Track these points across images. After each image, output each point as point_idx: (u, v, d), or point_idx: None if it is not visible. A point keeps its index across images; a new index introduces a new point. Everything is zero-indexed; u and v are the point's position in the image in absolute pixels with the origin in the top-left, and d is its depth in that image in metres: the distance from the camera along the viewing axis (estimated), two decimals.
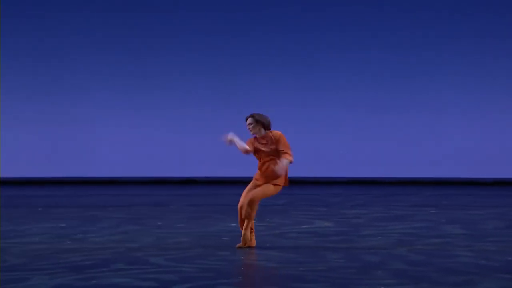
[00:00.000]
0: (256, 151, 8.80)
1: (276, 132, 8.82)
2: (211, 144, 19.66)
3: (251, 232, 8.88)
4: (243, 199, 8.79)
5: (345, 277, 7.35)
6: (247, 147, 8.77)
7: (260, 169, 8.85)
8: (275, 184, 8.83)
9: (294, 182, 19.64)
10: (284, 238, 9.96)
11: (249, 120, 8.81)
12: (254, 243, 8.92)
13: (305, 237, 10.00)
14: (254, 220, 9.00)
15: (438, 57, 19.75)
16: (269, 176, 8.77)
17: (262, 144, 8.77)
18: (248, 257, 8.45)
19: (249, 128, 8.81)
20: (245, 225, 8.89)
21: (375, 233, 10.42)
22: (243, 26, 20.02)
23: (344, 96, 19.93)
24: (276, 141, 8.72)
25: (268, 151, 8.74)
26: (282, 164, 8.62)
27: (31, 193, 17.43)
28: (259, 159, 8.84)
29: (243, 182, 18.46)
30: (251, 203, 8.72)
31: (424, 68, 19.72)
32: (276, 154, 8.75)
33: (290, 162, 8.72)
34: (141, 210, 13.48)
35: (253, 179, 8.94)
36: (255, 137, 8.85)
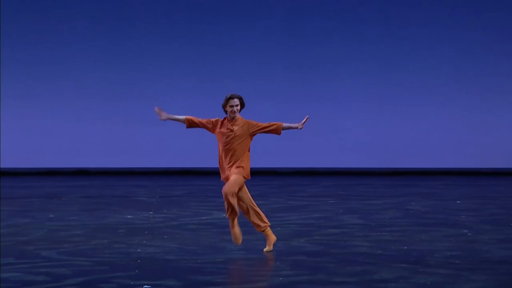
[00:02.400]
0: (226, 135, 7.94)
1: (246, 119, 8.06)
2: (104, 134, 19.29)
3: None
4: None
5: (243, 269, 7.28)
6: (187, 119, 7.96)
7: (221, 163, 8.07)
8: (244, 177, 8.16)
9: (191, 173, 19.63)
10: (182, 229, 9.81)
11: (236, 101, 7.94)
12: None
13: (204, 229, 9.88)
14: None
15: (340, 47, 19.92)
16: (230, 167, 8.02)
17: (230, 129, 7.93)
18: (145, 250, 8.26)
19: (234, 110, 7.92)
20: (234, 222, 8.16)
21: (273, 224, 10.37)
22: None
23: (244, 85, 19.89)
24: (253, 125, 7.94)
25: (240, 134, 7.92)
26: (286, 125, 8.03)
27: None
28: (226, 143, 7.97)
29: (139, 173, 17.97)
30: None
31: (326, 60, 19.89)
32: (242, 142, 7.96)
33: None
34: (32, 203, 13.04)
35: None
36: (224, 119, 8.00)
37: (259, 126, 8.06)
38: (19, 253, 7.98)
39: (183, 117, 8.11)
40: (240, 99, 8.00)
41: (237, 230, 8.11)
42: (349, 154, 19.91)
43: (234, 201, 8.00)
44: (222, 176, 8.23)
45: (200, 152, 19.38)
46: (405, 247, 8.46)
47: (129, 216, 11.05)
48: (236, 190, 8.04)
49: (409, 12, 19.84)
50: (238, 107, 7.98)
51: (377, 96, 20.07)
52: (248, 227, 9.95)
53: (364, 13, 19.87)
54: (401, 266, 7.39)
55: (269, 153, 19.62)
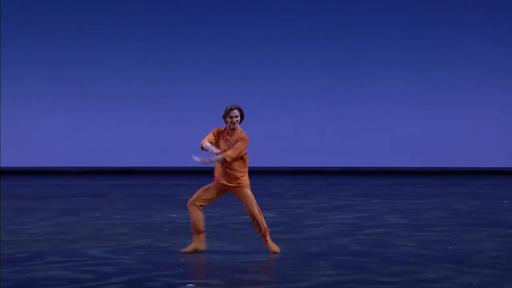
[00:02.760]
0: (221, 144, 8.09)
1: (244, 133, 8.10)
2: (148, 134, 19.44)
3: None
4: (199, 198, 8.06)
5: (286, 268, 7.27)
6: (211, 140, 7.99)
7: (217, 167, 8.10)
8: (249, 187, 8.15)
9: None
10: (225, 228, 9.84)
11: (236, 112, 8.01)
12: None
13: (247, 228, 9.90)
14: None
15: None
16: (230, 176, 8.03)
17: (228, 139, 8.03)
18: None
19: (234, 121, 8.00)
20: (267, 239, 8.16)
21: (317, 223, 10.37)
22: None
23: (289, 85, 19.88)
24: (239, 139, 7.98)
25: (230, 147, 7.99)
26: (217, 157, 7.96)
27: None
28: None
29: (183, 172, 18.01)
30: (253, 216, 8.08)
31: (373, 60, 19.79)
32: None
33: (224, 159, 7.95)
34: (78, 201, 13.20)
35: (215, 180, 8.15)
36: (225, 129, 8.12)
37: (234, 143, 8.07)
38: (66, 251, 8.08)
39: (208, 143, 8.08)
40: (240, 110, 8.10)
41: (270, 244, 8.17)
42: (395, 153, 19.79)
43: (261, 218, 8.12)
44: (216, 174, 8.22)
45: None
46: (450, 247, 8.37)
47: (173, 215, 11.12)
48: (258, 207, 8.15)
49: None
50: (238, 118, 8.07)
51: (425, 96, 19.91)
52: (288, 227, 9.93)
53: (418, 13, 19.72)
54: (446, 266, 7.32)
55: (314, 153, 19.60)
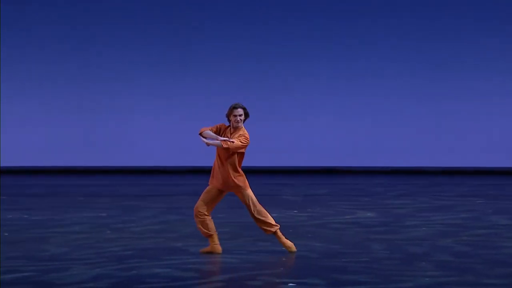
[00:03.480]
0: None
1: (246, 132, 8.01)
2: (253, 133, 19.54)
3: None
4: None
5: (388, 269, 7.20)
6: (212, 128, 7.97)
7: (214, 168, 8.04)
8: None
9: (336, 172, 19.60)
10: (326, 228, 9.82)
11: (240, 111, 7.97)
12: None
13: (348, 228, 9.85)
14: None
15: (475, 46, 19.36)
16: (226, 177, 7.95)
17: (228, 137, 7.95)
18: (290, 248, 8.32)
19: (238, 120, 7.95)
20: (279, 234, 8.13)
21: (419, 223, 10.23)
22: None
23: (384, 84, 19.68)
24: (238, 136, 7.89)
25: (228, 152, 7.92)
26: (216, 142, 7.82)
27: (72, 182, 17.52)
28: (217, 151, 8.04)
29: (286, 171, 18.12)
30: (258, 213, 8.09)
31: (462, 58, 19.38)
32: (236, 153, 7.94)
33: (222, 146, 7.81)
34: (181, 200, 13.43)
35: (210, 184, 8.10)
36: (228, 127, 8.07)
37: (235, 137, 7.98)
38: (169, 250, 8.24)
39: (209, 132, 8.03)
40: (244, 109, 8.02)
41: (285, 241, 8.12)
42: (499, 153, 19.28)
43: (269, 217, 8.10)
44: (212, 181, 8.09)
45: (346, 151, 19.35)
46: None
47: (274, 214, 11.14)
48: (260, 205, 8.14)
49: None
50: (242, 117, 7.99)
51: None
52: (389, 228, 9.84)
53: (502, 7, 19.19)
54: None
55: (416, 152, 19.32)
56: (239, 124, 8.01)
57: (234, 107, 8.02)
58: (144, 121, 19.79)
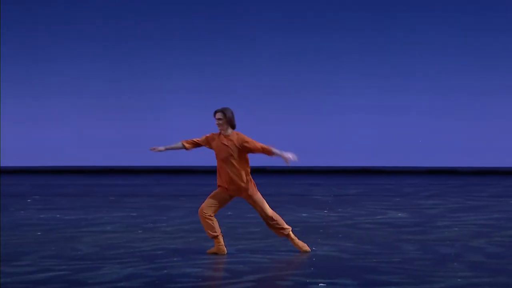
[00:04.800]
0: (222, 149, 8.00)
1: (241, 133, 8.01)
2: (285, 133, 19.54)
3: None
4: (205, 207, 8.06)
5: (420, 269, 7.16)
6: (185, 143, 8.11)
7: (221, 174, 8.05)
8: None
9: (367, 172, 19.52)
10: (357, 228, 9.79)
11: (218, 115, 7.99)
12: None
13: (379, 228, 9.81)
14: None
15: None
16: (235, 182, 7.97)
17: (225, 144, 7.97)
18: (320, 248, 8.32)
19: (217, 124, 8.02)
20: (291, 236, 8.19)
21: (451, 224, 10.15)
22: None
23: (417, 83, 19.54)
24: (245, 142, 7.91)
25: (234, 149, 7.93)
26: (276, 151, 7.92)
27: (104, 182, 17.65)
28: (218, 159, 8.05)
29: (316, 171, 18.07)
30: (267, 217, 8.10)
31: (499, 53, 19.18)
32: (239, 156, 7.94)
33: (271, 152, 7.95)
34: None
35: (220, 187, 8.09)
36: (219, 134, 8.08)
37: (249, 144, 7.97)
38: (200, 249, 8.27)
39: (179, 143, 8.19)
40: (223, 112, 7.99)
41: (298, 242, 8.15)
42: None
43: (280, 220, 8.12)
44: (222, 185, 8.11)
45: (377, 151, 19.25)
46: None
47: (304, 214, 11.17)
48: (270, 208, 8.15)
49: None
50: (221, 121, 7.98)
51: None
52: (420, 228, 9.79)
53: None
54: None
55: (449, 153, 19.17)
56: (221, 128, 8.02)
57: (214, 112, 8.08)
58: (177, 120, 19.86)
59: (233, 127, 8.07)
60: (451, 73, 19.42)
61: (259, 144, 8.04)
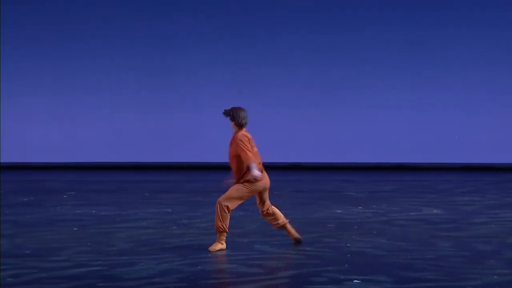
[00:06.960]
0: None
1: (241, 134, 8.03)
2: (316, 129, 19.51)
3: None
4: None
5: (455, 266, 7.10)
6: (256, 161, 8.05)
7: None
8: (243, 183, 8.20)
9: (403, 168, 19.40)
10: (391, 225, 9.73)
11: (226, 116, 8.21)
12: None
13: (414, 225, 9.74)
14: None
15: None
16: (267, 181, 8.25)
17: (231, 143, 8.10)
18: (355, 245, 8.29)
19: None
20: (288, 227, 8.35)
21: (487, 221, 10.06)
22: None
23: (453, 79, 19.38)
24: (237, 144, 7.97)
25: (232, 148, 8.05)
26: (250, 166, 7.95)
27: (138, 178, 17.75)
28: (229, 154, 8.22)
29: (350, 168, 17.97)
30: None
31: None
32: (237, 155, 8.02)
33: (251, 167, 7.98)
34: None
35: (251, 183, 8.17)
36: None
37: (238, 147, 8.00)
38: (234, 245, 8.28)
39: (253, 164, 8.08)
40: (228, 113, 8.10)
41: (294, 233, 8.31)
42: None
43: (277, 211, 8.25)
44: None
45: (413, 147, 19.13)
46: None
47: (338, 211, 11.13)
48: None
49: None
50: (230, 121, 8.10)
51: None
52: (456, 225, 9.70)
53: None
54: None
55: (485, 149, 18.99)
56: (231, 127, 8.15)
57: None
58: (211, 117, 19.91)
59: (240, 126, 8.11)
60: (487, 69, 19.23)
61: (243, 152, 8.00)
